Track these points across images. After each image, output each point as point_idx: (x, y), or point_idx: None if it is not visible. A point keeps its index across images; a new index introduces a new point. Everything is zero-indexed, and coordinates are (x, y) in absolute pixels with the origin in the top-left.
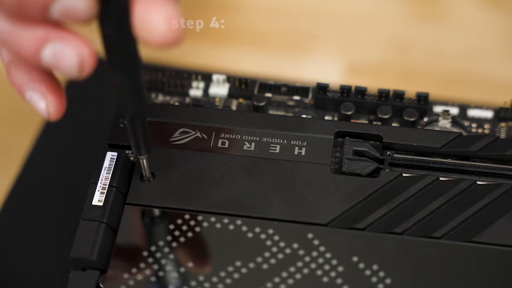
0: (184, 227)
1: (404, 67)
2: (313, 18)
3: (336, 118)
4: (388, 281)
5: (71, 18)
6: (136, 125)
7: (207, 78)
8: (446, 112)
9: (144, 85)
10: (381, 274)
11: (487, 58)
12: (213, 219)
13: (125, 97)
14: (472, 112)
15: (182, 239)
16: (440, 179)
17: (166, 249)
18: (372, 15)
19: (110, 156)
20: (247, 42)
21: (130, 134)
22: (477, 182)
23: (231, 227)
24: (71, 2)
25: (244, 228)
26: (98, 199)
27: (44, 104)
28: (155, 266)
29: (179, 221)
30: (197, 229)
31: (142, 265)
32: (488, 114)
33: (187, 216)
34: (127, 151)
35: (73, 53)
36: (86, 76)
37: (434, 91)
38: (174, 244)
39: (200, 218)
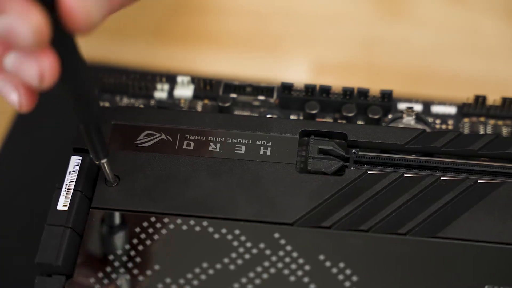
0: (150, 230)
1: (370, 65)
2: (278, 18)
3: (301, 117)
4: (354, 278)
5: (11, 41)
6: (90, 131)
7: (171, 79)
8: (410, 109)
9: (94, 92)
10: (348, 271)
11: (451, 54)
12: (179, 221)
13: (75, 107)
14: (436, 109)
15: (148, 242)
16: (405, 175)
17: (132, 252)
18: (337, 14)
19: (75, 160)
20: (212, 43)
21: (86, 140)
22: (441, 178)
23: (197, 228)
24: (10, 22)
25: (211, 229)
26: (63, 203)
27: (16, 96)
28: (122, 270)
29: (145, 224)
30: (163, 231)
31: (108, 269)
32: (452, 110)
33: (153, 219)
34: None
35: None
36: (47, 87)
37: (400, 88)
38: (140, 247)
39: (166, 220)
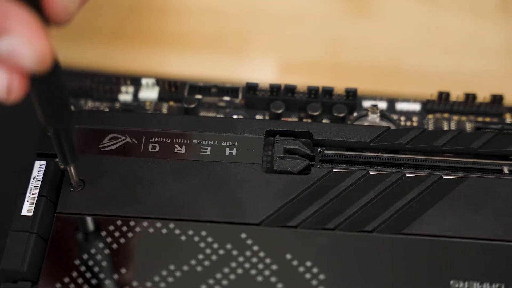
0: (117, 233)
1: (337, 63)
2: (244, 18)
3: (267, 117)
4: (321, 276)
5: (14, 63)
6: (60, 135)
7: (136, 82)
8: (374, 106)
9: (67, 96)
10: (315, 270)
11: (417, 51)
12: (145, 224)
13: (48, 111)
14: (400, 106)
15: (114, 246)
16: (370, 173)
17: (99, 257)
18: (303, 14)
19: (39, 165)
20: (177, 44)
21: (55, 144)
22: (406, 175)
23: (164, 231)
24: (15, 45)
25: (177, 231)
26: (27, 209)
27: (6, 81)
28: (88, 274)
29: (111, 228)
30: (130, 234)
31: (74, 274)
32: (416, 106)
33: (119, 222)
34: (56, 160)
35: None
36: (14, 101)
37: (367, 87)
38: (106, 251)
39: (132, 223)
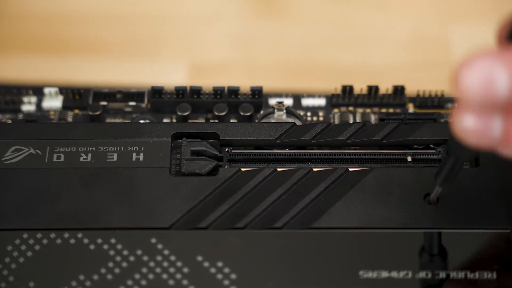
0: (23, 247)
1: (247, 63)
2: (151, 21)
3: (174, 120)
4: (233, 276)
5: None
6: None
7: (38, 91)
8: (280, 103)
9: None
10: (226, 270)
11: (323, 47)
12: (53, 235)
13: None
14: (306, 101)
15: (21, 260)
16: (278, 170)
17: (5, 272)
18: (212, 15)
19: None
20: (84, 51)
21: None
22: (313, 169)
23: (72, 241)
24: None
25: (86, 241)
26: None
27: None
28: None
29: (17, 241)
30: (37, 247)
31: None
32: (321, 101)
33: (25, 236)
34: None
35: None
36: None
37: (277, 84)
38: (13, 266)
39: (39, 235)
